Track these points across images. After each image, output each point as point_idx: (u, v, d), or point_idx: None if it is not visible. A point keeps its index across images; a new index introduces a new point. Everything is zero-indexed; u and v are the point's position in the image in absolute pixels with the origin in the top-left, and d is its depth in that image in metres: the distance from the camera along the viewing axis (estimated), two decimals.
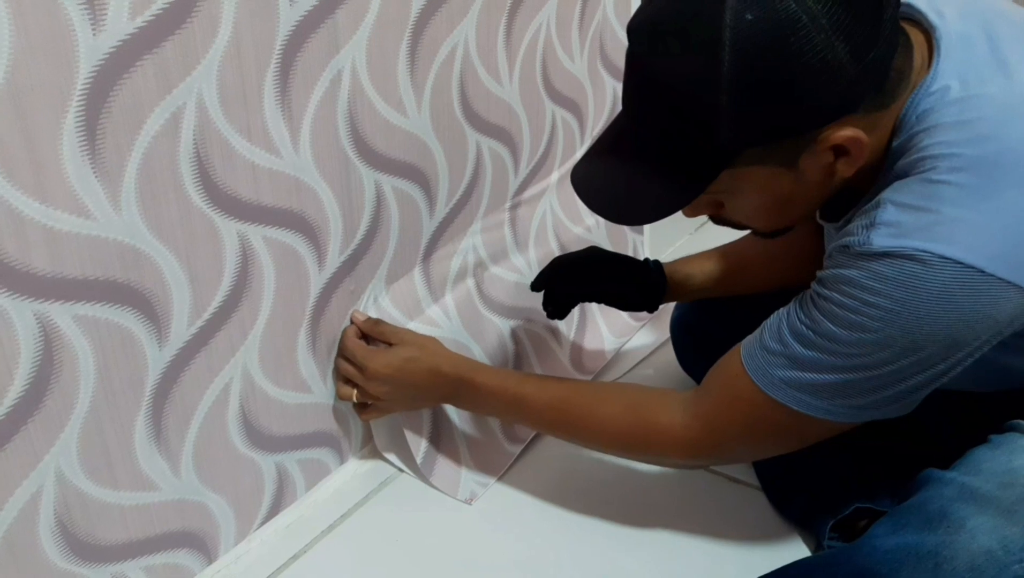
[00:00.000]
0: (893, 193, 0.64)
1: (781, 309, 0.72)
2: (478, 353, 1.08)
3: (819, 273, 0.69)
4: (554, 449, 1.05)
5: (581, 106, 1.25)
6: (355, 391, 0.92)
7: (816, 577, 0.69)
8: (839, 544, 0.85)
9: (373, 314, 0.96)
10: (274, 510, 0.92)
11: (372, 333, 0.93)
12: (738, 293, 1.04)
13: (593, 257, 1.05)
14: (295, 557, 0.88)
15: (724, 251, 1.06)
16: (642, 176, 0.69)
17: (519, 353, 1.15)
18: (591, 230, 1.31)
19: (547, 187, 1.22)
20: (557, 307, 1.05)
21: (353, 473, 1.00)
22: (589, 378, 1.21)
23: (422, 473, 0.98)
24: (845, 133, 0.63)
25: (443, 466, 0.99)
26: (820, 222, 0.80)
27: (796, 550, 0.89)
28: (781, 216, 0.74)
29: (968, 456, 0.71)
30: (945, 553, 0.62)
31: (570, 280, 1.05)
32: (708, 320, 1.09)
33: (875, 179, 0.68)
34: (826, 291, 0.67)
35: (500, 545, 0.90)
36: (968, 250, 0.60)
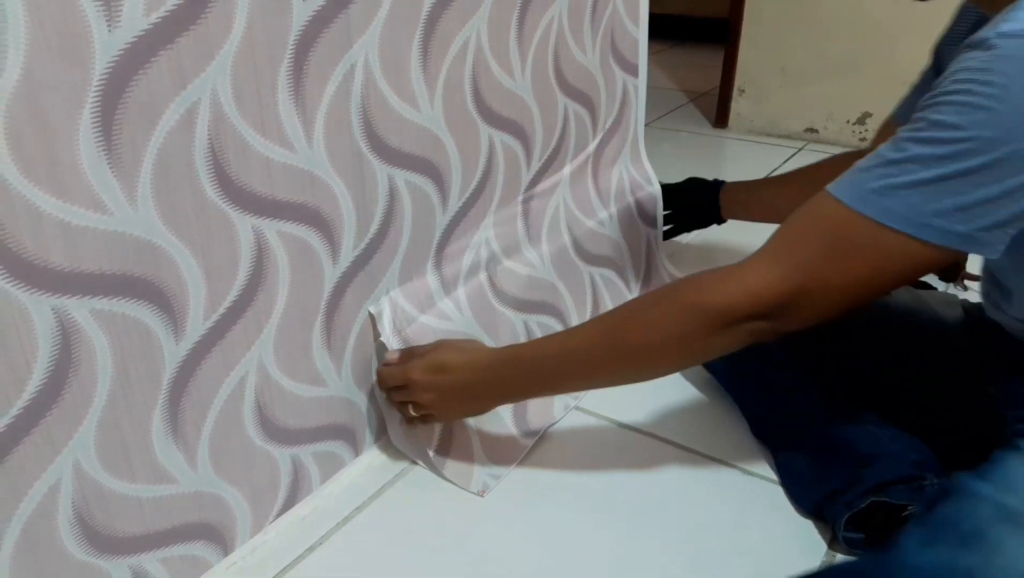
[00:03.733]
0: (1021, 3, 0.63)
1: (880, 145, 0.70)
2: (491, 346, 1.08)
3: None
4: (567, 440, 1.05)
5: (593, 99, 1.25)
6: (408, 406, 0.93)
7: None
8: (854, 535, 0.85)
9: (386, 308, 0.96)
10: (290, 502, 0.93)
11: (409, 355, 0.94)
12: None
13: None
14: (311, 549, 0.89)
15: (795, 176, 1.22)
16: None
17: None
18: (604, 224, 1.31)
19: (560, 181, 1.22)
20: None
21: (368, 465, 1.00)
22: None
23: (435, 465, 0.98)
24: None
25: (456, 458, 1.00)
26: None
27: (812, 542, 0.89)
28: None
29: (1000, 466, 0.68)
30: (982, 575, 0.60)
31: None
32: None
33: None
34: (936, 89, 0.65)
35: (514, 536, 0.91)
36: None
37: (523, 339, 1.14)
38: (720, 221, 1.37)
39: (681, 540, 0.90)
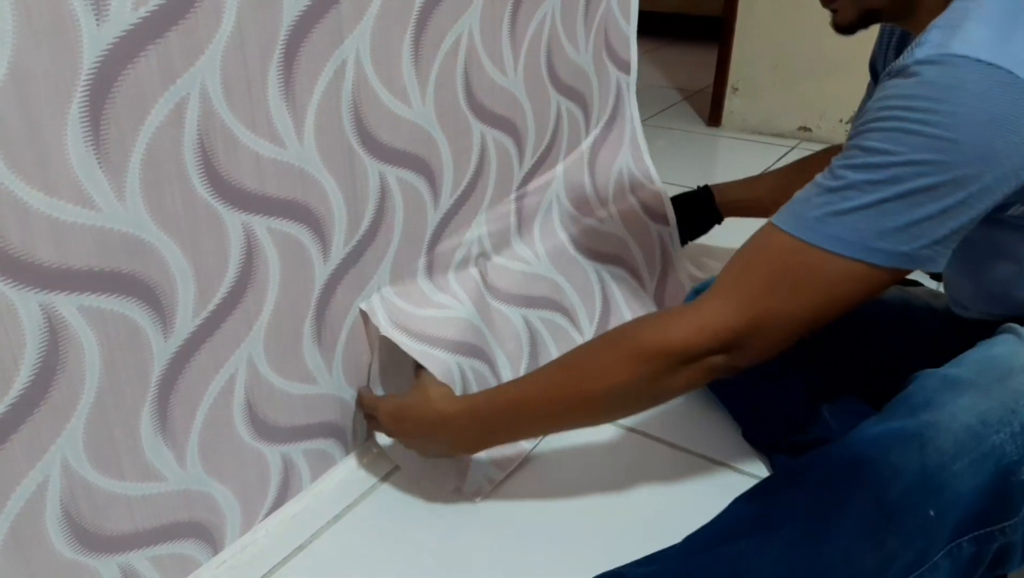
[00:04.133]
0: (935, 24, 0.67)
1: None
2: (491, 339, 1.07)
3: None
4: (563, 439, 1.05)
5: (586, 97, 1.24)
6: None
7: (809, 473, 0.70)
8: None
9: (378, 305, 0.96)
10: (280, 501, 0.92)
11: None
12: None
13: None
14: (301, 547, 0.89)
15: (773, 176, 1.28)
16: None
17: (534, 340, 1.14)
18: (604, 221, 1.30)
19: (553, 178, 1.22)
20: None
21: (359, 463, 1.00)
22: None
23: (428, 465, 0.98)
24: None
25: (450, 461, 0.99)
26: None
27: None
28: None
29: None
30: (929, 433, 0.64)
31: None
32: None
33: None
34: (864, 118, 0.67)
35: (506, 536, 0.90)
36: (1008, 58, 0.62)
37: (524, 336, 1.13)
38: (720, 220, 1.38)
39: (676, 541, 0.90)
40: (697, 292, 1.12)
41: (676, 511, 0.94)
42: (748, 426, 1.06)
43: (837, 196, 0.67)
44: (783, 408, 1.00)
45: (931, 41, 0.65)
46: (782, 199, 0.75)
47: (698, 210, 1.36)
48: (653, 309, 1.31)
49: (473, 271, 1.10)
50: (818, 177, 0.70)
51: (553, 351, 1.15)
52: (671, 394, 0.79)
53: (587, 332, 1.21)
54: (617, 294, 1.27)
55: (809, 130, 2.17)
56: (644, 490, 0.97)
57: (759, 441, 1.03)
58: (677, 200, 1.39)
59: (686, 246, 1.44)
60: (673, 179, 1.87)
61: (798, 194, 0.72)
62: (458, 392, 0.95)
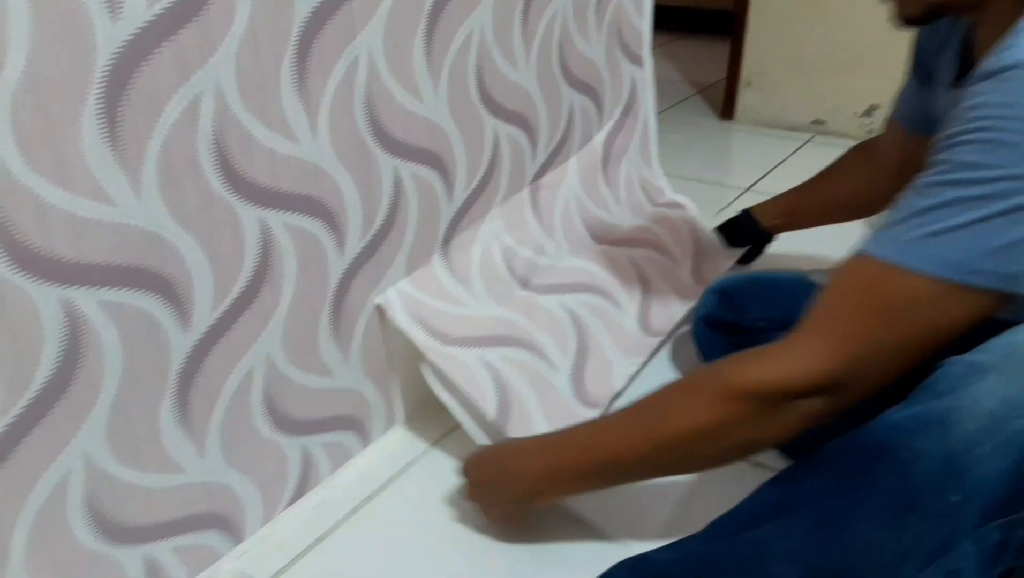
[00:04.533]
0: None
1: (905, 192, 0.67)
2: (530, 326, 1.05)
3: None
4: None
5: (598, 91, 1.25)
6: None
7: (834, 459, 0.68)
8: None
9: (394, 299, 0.96)
10: (299, 492, 0.93)
11: None
12: (831, 221, 1.24)
13: None
14: (320, 538, 0.90)
15: (814, 184, 1.23)
16: None
17: (578, 323, 1.10)
18: (614, 214, 1.30)
19: (567, 172, 1.23)
20: None
21: (377, 456, 1.01)
22: (654, 341, 1.17)
23: (495, 429, 0.94)
24: None
25: (517, 419, 0.96)
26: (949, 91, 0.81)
27: None
28: None
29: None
30: (952, 417, 0.62)
31: None
32: (733, 313, 1.08)
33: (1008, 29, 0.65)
34: (954, 128, 0.63)
35: (523, 529, 0.91)
36: None
37: (566, 320, 1.09)
38: (769, 239, 1.32)
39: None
40: (715, 291, 1.11)
41: (698, 501, 0.94)
42: None
43: (934, 215, 0.62)
44: None
45: (1019, 44, 0.61)
46: (830, 203, 0.75)
47: (745, 235, 1.32)
48: (694, 284, 1.26)
49: (498, 263, 1.09)
50: (906, 196, 0.66)
51: (602, 332, 1.12)
52: (761, 443, 0.72)
53: (631, 311, 1.17)
54: (654, 272, 1.24)
55: (823, 123, 2.16)
56: (667, 482, 0.97)
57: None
58: (722, 229, 1.35)
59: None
60: (687, 173, 1.87)
61: (889, 215, 0.67)
62: (487, 385, 0.94)
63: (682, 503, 0.93)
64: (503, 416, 0.95)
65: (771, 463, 0.99)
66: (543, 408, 0.99)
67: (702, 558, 0.71)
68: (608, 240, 1.25)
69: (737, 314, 1.07)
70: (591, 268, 1.19)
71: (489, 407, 0.94)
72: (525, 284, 1.11)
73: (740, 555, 0.69)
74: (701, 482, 0.97)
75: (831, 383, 0.67)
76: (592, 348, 1.10)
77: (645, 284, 1.22)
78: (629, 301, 1.18)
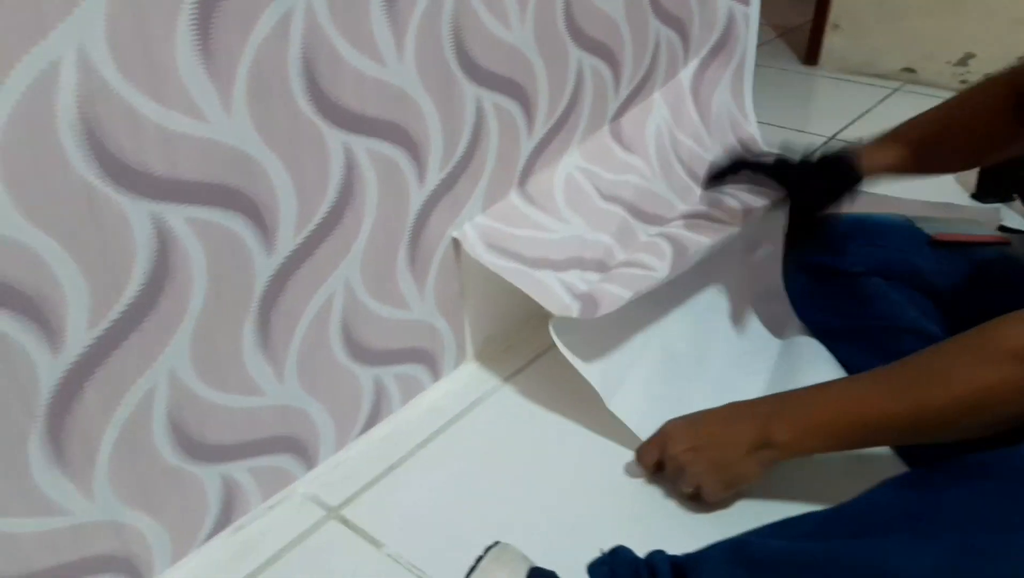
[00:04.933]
0: None
1: None
2: (615, 247, 1.03)
3: None
4: None
5: (686, 25, 1.20)
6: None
7: (980, 476, 0.62)
8: None
9: (471, 232, 0.94)
10: (371, 422, 0.93)
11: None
12: (930, 172, 0.99)
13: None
14: (391, 468, 0.90)
15: (916, 130, 0.98)
16: None
17: (677, 242, 1.05)
18: (707, 149, 1.24)
19: (652, 107, 1.18)
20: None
21: (446, 391, 1.01)
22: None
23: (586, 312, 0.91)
24: None
25: (603, 300, 0.93)
26: None
27: None
28: None
29: None
30: None
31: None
32: (833, 257, 1.02)
33: None
34: None
35: (592, 465, 0.90)
36: None
37: (664, 242, 1.04)
38: (858, 180, 1.00)
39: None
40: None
41: (788, 472, 0.91)
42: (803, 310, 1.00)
43: None
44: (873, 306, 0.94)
45: None
46: (941, 148, 0.65)
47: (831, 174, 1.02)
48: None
49: (582, 185, 1.06)
50: None
51: (698, 246, 1.04)
52: None
53: (734, 215, 1.10)
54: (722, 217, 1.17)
55: (914, 72, 2.05)
56: None
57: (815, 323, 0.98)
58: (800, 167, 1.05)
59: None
60: (766, 118, 1.80)
61: None
62: (573, 307, 0.90)
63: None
64: (588, 307, 0.91)
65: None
66: (627, 285, 0.95)
67: (817, 557, 0.63)
68: (692, 172, 1.20)
69: (837, 259, 1.01)
70: (673, 200, 1.15)
71: (573, 305, 0.92)
72: (611, 198, 1.08)
73: (865, 562, 0.61)
74: None
75: None
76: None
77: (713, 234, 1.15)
78: (734, 208, 1.12)
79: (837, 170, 1.00)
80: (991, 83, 0.93)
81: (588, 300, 0.93)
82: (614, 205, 1.09)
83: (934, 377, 0.69)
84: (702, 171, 1.21)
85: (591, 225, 1.04)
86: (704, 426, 0.82)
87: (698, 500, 0.82)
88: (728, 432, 0.79)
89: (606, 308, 0.91)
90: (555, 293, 0.94)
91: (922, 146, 0.98)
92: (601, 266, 1.02)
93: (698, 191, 1.20)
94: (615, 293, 0.93)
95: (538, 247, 0.98)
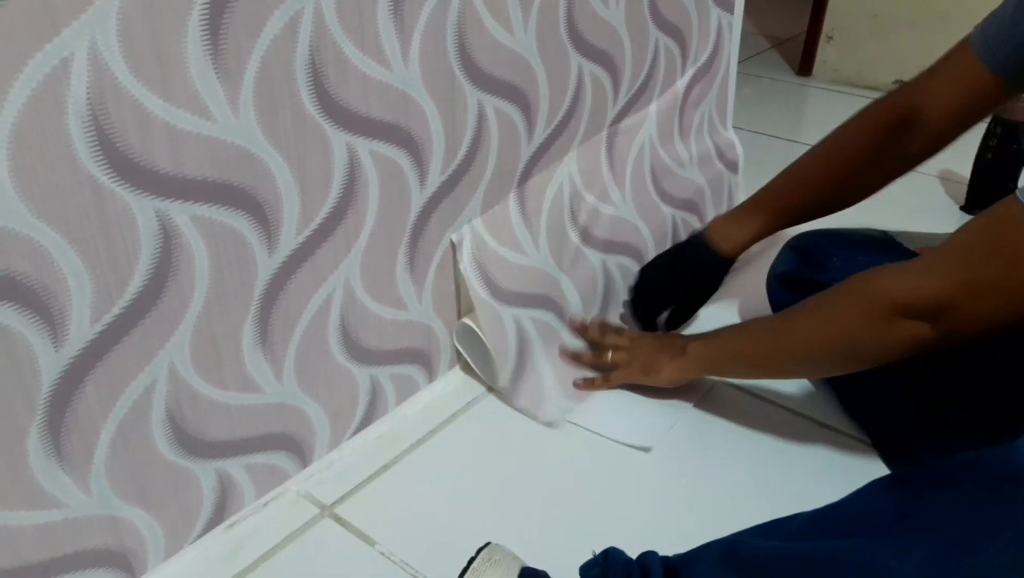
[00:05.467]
0: None
1: None
2: (566, 284, 1.07)
3: None
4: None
5: (685, 33, 1.21)
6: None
7: (966, 477, 0.63)
8: None
9: (467, 236, 0.96)
10: (366, 421, 0.94)
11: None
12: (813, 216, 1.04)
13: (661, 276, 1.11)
14: (385, 467, 0.90)
15: (784, 182, 1.03)
16: None
17: (608, 287, 1.14)
18: (685, 165, 1.28)
19: (646, 117, 1.19)
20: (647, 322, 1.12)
21: (442, 392, 1.01)
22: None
23: (507, 394, 0.98)
24: None
25: (528, 389, 1.00)
26: None
27: None
28: None
29: None
30: None
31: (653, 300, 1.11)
32: (812, 270, 1.03)
33: None
34: None
35: (585, 467, 0.91)
36: None
37: (600, 280, 1.12)
38: (720, 261, 1.07)
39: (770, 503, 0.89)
40: (793, 248, 1.08)
41: (773, 470, 0.93)
42: (850, 404, 0.99)
43: None
44: (898, 397, 0.92)
45: None
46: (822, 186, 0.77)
47: (700, 273, 1.09)
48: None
49: (566, 213, 1.08)
50: None
51: (623, 297, 1.15)
52: (878, 349, 0.77)
53: None
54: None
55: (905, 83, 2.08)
56: (738, 446, 0.96)
57: (861, 420, 0.98)
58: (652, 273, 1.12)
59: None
60: (760, 128, 1.82)
61: None
62: (509, 343, 0.98)
63: (758, 468, 0.93)
64: (514, 384, 0.99)
65: (841, 427, 0.97)
66: (556, 375, 1.03)
67: (806, 557, 0.64)
68: (664, 195, 1.24)
69: (817, 271, 1.02)
70: (641, 228, 1.19)
71: (505, 374, 0.98)
72: (583, 233, 1.11)
73: (848, 564, 0.62)
74: (781, 448, 0.96)
75: (937, 308, 0.70)
76: (612, 312, 1.14)
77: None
78: None
79: (692, 260, 1.08)
80: (876, 106, 0.99)
81: (519, 376, 1.00)
82: (577, 236, 1.11)
83: (812, 321, 0.81)
84: (673, 190, 1.26)
85: (553, 255, 1.07)
86: (645, 338, 1.03)
87: (604, 380, 1.01)
88: (658, 345, 1.00)
89: (522, 403, 0.99)
90: (503, 347, 0.98)
91: (795, 193, 1.02)
92: (552, 304, 1.06)
93: (664, 210, 1.24)
94: (535, 396, 0.99)
95: (508, 275, 1.00)
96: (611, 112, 1.13)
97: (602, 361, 1.02)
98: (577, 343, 1.07)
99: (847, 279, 0.79)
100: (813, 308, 0.81)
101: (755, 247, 1.08)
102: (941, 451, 0.83)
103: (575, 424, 0.97)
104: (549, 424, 0.96)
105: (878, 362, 0.79)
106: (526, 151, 1.01)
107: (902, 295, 0.72)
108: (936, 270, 0.71)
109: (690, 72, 1.26)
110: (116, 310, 0.65)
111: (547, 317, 1.06)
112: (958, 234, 0.71)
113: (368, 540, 0.81)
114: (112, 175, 0.61)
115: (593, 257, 1.12)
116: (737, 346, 0.91)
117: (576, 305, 1.09)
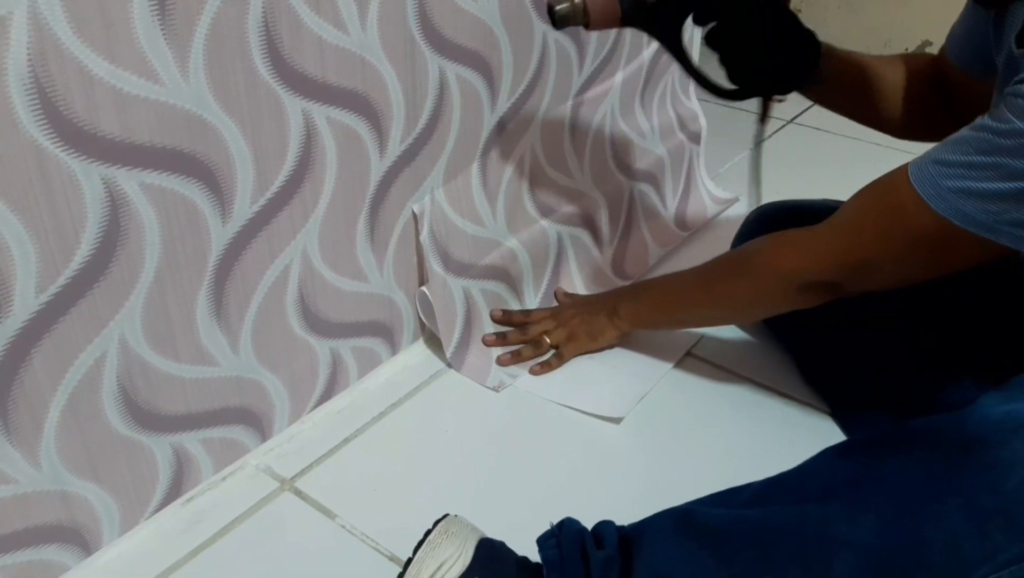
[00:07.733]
0: None
1: (963, 129, 0.68)
2: (523, 258, 1.07)
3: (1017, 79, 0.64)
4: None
5: None
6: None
7: (919, 444, 0.65)
8: None
9: (428, 208, 0.94)
10: (327, 394, 0.93)
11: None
12: (858, 113, 1.04)
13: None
14: (346, 441, 0.90)
15: (869, 61, 1.00)
16: None
17: (559, 258, 1.14)
18: (645, 136, 1.27)
19: (611, 88, 1.18)
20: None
21: (404, 365, 1.00)
22: (624, 284, 1.19)
23: (453, 363, 0.99)
24: None
25: (473, 357, 1.00)
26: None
27: None
28: None
29: None
30: None
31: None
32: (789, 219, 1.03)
33: None
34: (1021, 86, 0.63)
35: (549, 440, 0.91)
36: None
37: (552, 251, 1.12)
38: (819, 77, 0.96)
39: (729, 473, 0.89)
40: (757, 219, 1.08)
41: (737, 442, 0.93)
42: (808, 372, 1.01)
43: (979, 173, 0.65)
44: (853, 361, 0.95)
45: None
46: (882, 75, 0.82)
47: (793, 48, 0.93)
48: (671, 229, 1.30)
49: (524, 184, 1.08)
50: (965, 132, 0.66)
51: (573, 267, 1.16)
52: (784, 308, 0.87)
53: (606, 251, 1.21)
54: (640, 214, 1.27)
55: None
56: (705, 418, 0.97)
57: (818, 387, 0.99)
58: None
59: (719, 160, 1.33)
60: (725, 101, 1.81)
61: (942, 147, 0.69)
62: (457, 313, 0.99)
63: (717, 438, 0.93)
64: (459, 354, 1.00)
65: (800, 397, 0.98)
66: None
67: (760, 524, 0.65)
68: (623, 166, 1.24)
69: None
70: (598, 199, 1.19)
71: (451, 343, 0.99)
72: (540, 204, 1.11)
73: (803, 529, 0.63)
74: (739, 418, 0.96)
75: (838, 280, 0.79)
76: (564, 283, 1.16)
77: (627, 225, 1.25)
78: (608, 244, 1.22)
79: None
80: (919, 55, 0.99)
81: (465, 345, 1.01)
82: (533, 206, 1.11)
83: (727, 286, 0.89)
84: (632, 161, 1.26)
85: (509, 224, 1.07)
86: (567, 309, 1.06)
87: (558, 358, 1.01)
88: (589, 310, 1.04)
89: (467, 372, 1.00)
90: (450, 317, 0.99)
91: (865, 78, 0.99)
92: (503, 275, 1.06)
93: (621, 180, 1.23)
94: (481, 369, 1.00)
95: (463, 246, 1.00)
96: (576, 81, 1.11)
97: (542, 347, 1.02)
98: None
99: (755, 243, 0.87)
100: (727, 274, 0.89)
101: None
102: (895, 418, 0.86)
103: (543, 398, 0.96)
104: (495, 388, 0.97)
105: (793, 309, 0.87)
106: (489, 120, 0.99)
107: (801, 273, 0.81)
108: (834, 246, 0.78)
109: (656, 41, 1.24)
110: (62, 280, 0.63)
111: (498, 288, 1.06)
112: (854, 207, 0.77)
113: (328, 513, 0.81)
114: (56, 140, 0.59)
115: (549, 228, 1.11)
116: (662, 301, 0.99)
117: (527, 275, 1.09)
